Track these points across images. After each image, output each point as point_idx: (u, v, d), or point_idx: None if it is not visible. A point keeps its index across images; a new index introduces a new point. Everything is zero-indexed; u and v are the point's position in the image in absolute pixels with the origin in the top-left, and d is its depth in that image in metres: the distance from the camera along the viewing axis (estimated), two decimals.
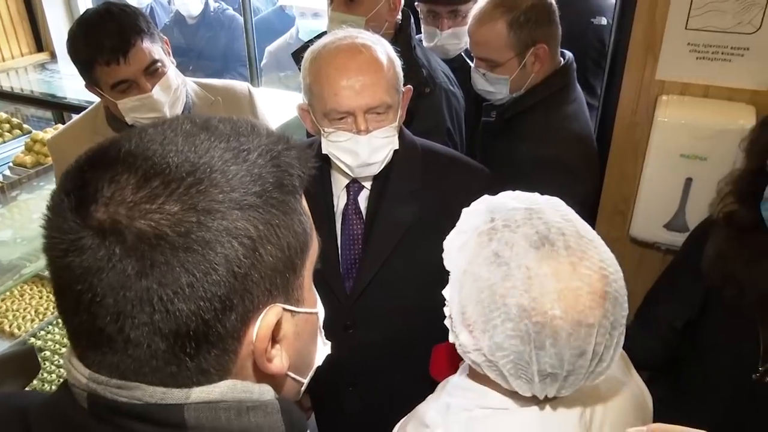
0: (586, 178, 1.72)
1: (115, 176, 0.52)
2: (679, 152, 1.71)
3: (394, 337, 1.49)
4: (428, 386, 1.15)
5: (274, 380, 0.63)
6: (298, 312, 0.63)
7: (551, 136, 1.70)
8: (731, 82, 1.70)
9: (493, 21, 1.68)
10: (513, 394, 0.91)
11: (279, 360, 0.61)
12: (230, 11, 3.96)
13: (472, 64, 1.83)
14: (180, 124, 0.58)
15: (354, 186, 1.48)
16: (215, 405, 0.56)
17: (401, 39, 1.86)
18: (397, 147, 1.41)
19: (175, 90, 1.66)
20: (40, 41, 3.50)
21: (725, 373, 1.41)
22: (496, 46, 1.70)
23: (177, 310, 0.52)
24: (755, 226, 1.30)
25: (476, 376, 0.95)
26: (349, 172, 1.42)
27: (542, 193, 0.95)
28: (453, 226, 0.97)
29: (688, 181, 1.74)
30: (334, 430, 1.79)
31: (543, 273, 0.81)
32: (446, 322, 0.94)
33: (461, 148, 1.96)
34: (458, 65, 2.12)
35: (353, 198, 1.49)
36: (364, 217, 1.49)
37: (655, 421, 1.03)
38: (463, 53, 2.17)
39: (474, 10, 1.76)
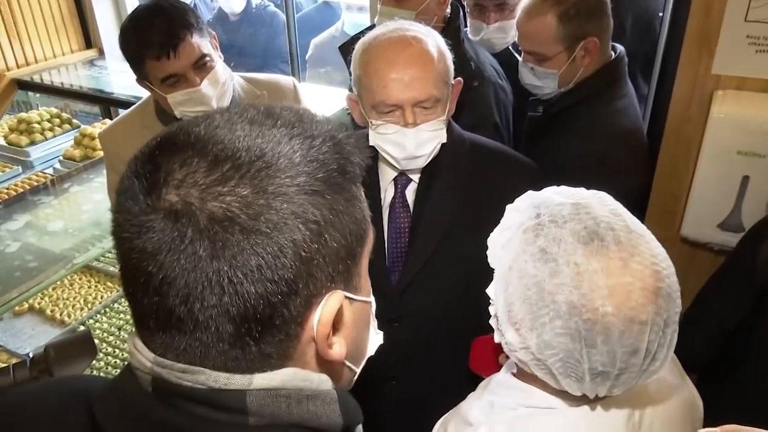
0: (635, 174, 1.68)
1: (186, 160, 0.53)
2: (736, 149, 1.65)
3: (438, 330, 1.49)
4: (470, 381, 1.14)
5: (333, 368, 0.63)
6: (357, 300, 0.63)
7: (599, 131, 1.66)
8: None
9: (542, 14, 1.65)
10: (561, 393, 0.89)
11: (339, 347, 0.61)
12: (272, 8, 4.00)
13: (519, 58, 1.80)
14: (245, 111, 0.59)
15: (401, 179, 1.48)
16: (276, 392, 0.57)
17: (450, 32, 1.84)
18: (444, 140, 1.40)
19: (222, 84, 1.68)
20: (89, 38, 3.58)
21: None
22: (545, 40, 1.67)
23: (246, 292, 0.52)
24: None
25: (522, 374, 0.94)
26: (396, 165, 1.41)
27: (589, 189, 0.92)
28: (499, 220, 0.95)
29: (745, 179, 1.68)
30: (375, 423, 1.79)
31: (593, 269, 0.79)
32: (491, 321, 0.93)
33: (509, 142, 1.93)
34: (504, 59, 2.09)
35: (401, 191, 1.48)
36: (411, 210, 1.48)
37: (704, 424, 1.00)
38: (510, 47, 2.14)
39: (523, 3, 1.73)
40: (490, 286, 0.93)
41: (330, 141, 0.58)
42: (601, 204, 0.86)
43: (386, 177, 1.48)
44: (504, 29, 2.09)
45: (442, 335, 1.49)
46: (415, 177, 1.47)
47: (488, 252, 0.92)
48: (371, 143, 1.39)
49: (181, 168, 0.53)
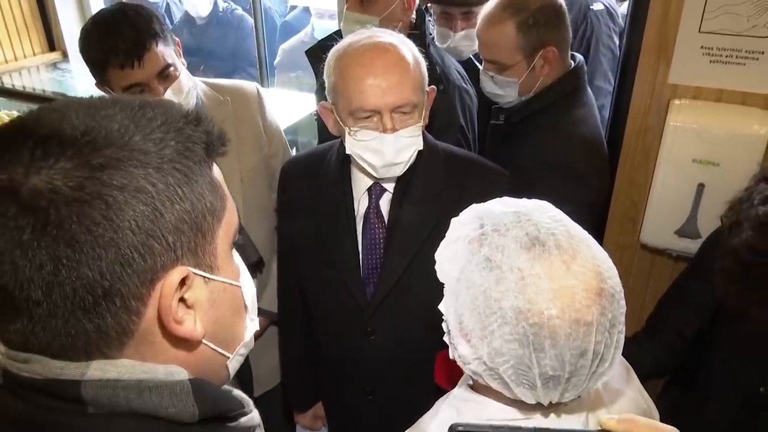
0: (595, 182, 1.70)
1: (14, 143, 0.53)
2: (691, 157, 1.68)
3: (415, 344, 1.46)
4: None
5: (192, 351, 0.63)
6: (212, 279, 0.63)
7: (560, 140, 1.68)
8: (746, 86, 1.66)
9: (502, 23, 1.66)
10: (515, 403, 0.89)
11: (191, 323, 0.61)
12: (239, 11, 3.98)
13: (480, 67, 1.81)
14: (88, 99, 0.59)
15: (376, 189, 1.46)
16: (113, 383, 0.56)
17: (416, 38, 1.84)
18: (421, 147, 1.39)
19: (186, 93, 1.65)
20: (52, 40, 3.51)
21: (733, 385, 1.39)
22: (505, 49, 1.68)
23: (76, 267, 0.52)
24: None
25: (478, 387, 0.94)
26: (373, 173, 1.40)
27: (550, 198, 0.93)
28: None
29: (700, 187, 1.71)
30: None
31: (536, 273, 0.80)
32: (445, 338, 0.93)
33: (473, 145, 1.95)
34: (468, 67, 2.10)
35: (375, 202, 1.47)
36: (386, 221, 1.46)
37: None
38: (472, 56, 2.16)
39: (483, 12, 1.74)
40: (441, 302, 0.92)
41: (170, 123, 0.59)
42: (542, 211, 0.87)
43: (360, 187, 1.46)
44: (470, 37, 2.10)
45: (418, 348, 1.45)
46: (390, 187, 1.45)
47: (436, 267, 0.92)
48: (348, 152, 1.38)
49: (9, 151, 0.53)
